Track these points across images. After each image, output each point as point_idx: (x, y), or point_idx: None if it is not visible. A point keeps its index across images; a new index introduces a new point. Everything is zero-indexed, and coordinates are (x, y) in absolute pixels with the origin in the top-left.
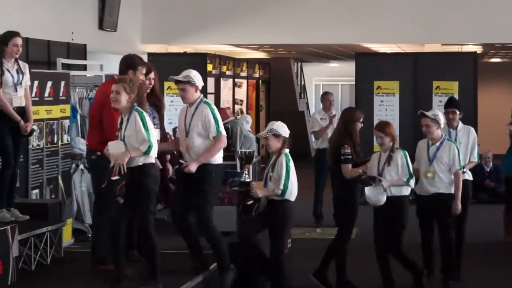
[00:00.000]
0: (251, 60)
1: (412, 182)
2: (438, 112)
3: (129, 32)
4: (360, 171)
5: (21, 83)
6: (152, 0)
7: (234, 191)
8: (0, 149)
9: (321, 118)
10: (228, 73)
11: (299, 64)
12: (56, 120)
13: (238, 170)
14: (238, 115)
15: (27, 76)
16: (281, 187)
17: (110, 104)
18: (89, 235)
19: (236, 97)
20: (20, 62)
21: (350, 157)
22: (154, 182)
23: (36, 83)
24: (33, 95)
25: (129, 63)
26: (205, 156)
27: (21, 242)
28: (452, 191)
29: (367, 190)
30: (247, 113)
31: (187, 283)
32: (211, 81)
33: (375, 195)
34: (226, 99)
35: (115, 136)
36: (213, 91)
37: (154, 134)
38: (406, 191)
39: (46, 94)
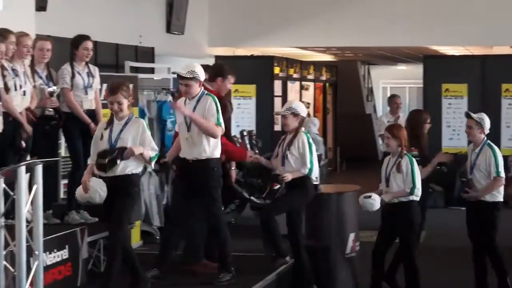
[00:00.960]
0: (318, 63)
1: (417, 191)
2: (485, 116)
3: (196, 35)
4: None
5: (91, 86)
6: (219, 3)
7: None
8: (70, 152)
9: (388, 121)
10: (295, 76)
11: (366, 66)
12: None
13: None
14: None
15: (97, 79)
16: (308, 165)
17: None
18: (157, 237)
19: (303, 99)
20: (90, 66)
21: (418, 159)
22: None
23: (105, 86)
24: (102, 98)
25: (219, 71)
26: (201, 122)
27: (90, 244)
28: (495, 199)
29: (361, 200)
30: (314, 116)
31: (259, 283)
32: (278, 84)
33: (370, 205)
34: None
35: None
36: (280, 94)
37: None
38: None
39: None
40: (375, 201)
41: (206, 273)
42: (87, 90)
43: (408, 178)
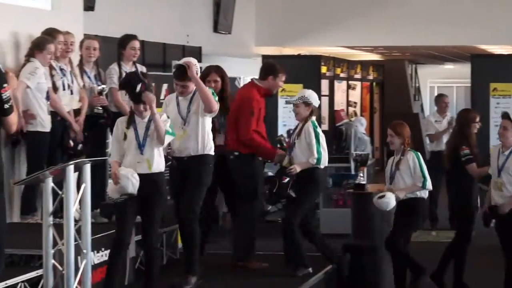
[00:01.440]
0: (365, 62)
1: (428, 184)
2: None
3: (243, 35)
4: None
5: None
6: (266, 2)
7: (348, 193)
8: None
9: (435, 121)
10: (342, 75)
11: (414, 66)
12: None
13: (353, 172)
14: (352, 117)
15: None
16: (316, 155)
17: (246, 108)
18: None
19: (350, 99)
20: (138, 65)
21: (471, 156)
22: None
23: (152, 85)
24: None
25: (271, 69)
26: (202, 87)
27: (137, 243)
28: None
29: (375, 201)
30: (361, 115)
31: (305, 283)
32: (325, 83)
33: (386, 205)
34: (340, 101)
35: (248, 139)
36: (327, 93)
37: None
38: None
39: (162, 96)
40: (390, 200)
41: (262, 269)
42: None
43: (417, 173)
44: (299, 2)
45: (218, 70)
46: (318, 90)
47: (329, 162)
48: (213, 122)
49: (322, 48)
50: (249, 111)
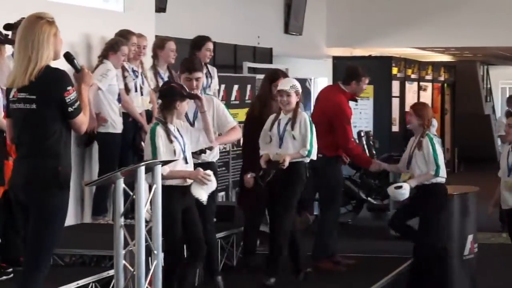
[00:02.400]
0: (437, 63)
1: (441, 172)
2: None
3: (314, 36)
4: None
5: (209, 86)
6: (337, 4)
7: None
8: None
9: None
10: (413, 76)
11: (485, 67)
12: (242, 123)
13: None
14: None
15: (215, 80)
16: (308, 147)
17: (342, 117)
18: None
19: (421, 100)
20: (209, 66)
21: None
22: None
23: (223, 86)
24: (220, 98)
25: (354, 74)
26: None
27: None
28: None
29: (391, 190)
30: (432, 116)
31: (377, 283)
32: (396, 84)
33: (401, 196)
34: (411, 103)
35: (349, 148)
36: (398, 95)
37: None
38: None
39: (233, 98)
40: (406, 191)
41: (332, 270)
42: (206, 91)
43: (430, 159)
44: (370, 3)
45: (285, 74)
46: (389, 91)
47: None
48: None
49: (393, 49)
50: (346, 120)
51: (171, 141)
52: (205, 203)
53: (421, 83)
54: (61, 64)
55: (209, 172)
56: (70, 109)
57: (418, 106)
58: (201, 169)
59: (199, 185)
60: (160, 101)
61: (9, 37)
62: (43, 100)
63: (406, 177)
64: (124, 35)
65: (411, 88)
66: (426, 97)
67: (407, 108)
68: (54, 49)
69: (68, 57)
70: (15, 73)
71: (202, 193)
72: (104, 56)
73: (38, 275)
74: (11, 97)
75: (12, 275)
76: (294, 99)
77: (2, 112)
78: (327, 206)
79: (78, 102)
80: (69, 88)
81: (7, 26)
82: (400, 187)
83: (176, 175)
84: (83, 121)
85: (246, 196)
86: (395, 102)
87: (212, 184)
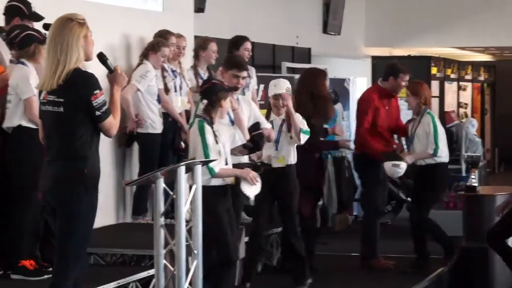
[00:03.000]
0: (476, 63)
1: (440, 152)
2: None
3: (353, 36)
4: None
5: (248, 86)
6: (376, 3)
7: (459, 195)
8: None
9: None
10: (452, 76)
11: None
12: None
13: (464, 174)
14: (463, 118)
15: (254, 80)
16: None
17: (359, 108)
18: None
19: (460, 100)
20: (248, 66)
21: None
22: None
23: (261, 86)
24: (259, 98)
25: (391, 69)
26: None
27: (247, 244)
28: None
29: (388, 167)
30: (472, 116)
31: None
32: (435, 84)
33: (397, 173)
34: (450, 103)
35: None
36: (437, 95)
37: None
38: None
39: None
40: (402, 169)
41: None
42: (245, 91)
43: (430, 138)
44: (409, 2)
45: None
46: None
47: None
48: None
49: (432, 49)
50: (362, 110)
51: (217, 142)
52: (251, 203)
53: (461, 83)
54: (95, 65)
55: (256, 174)
56: (97, 112)
57: (414, 85)
58: (250, 169)
59: (248, 183)
60: (205, 101)
61: None
62: (70, 103)
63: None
64: (163, 35)
65: (450, 88)
66: (466, 97)
67: (447, 108)
68: (84, 51)
69: (101, 58)
70: (45, 75)
71: (251, 191)
72: (144, 56)
73: (68, 275)
74: (41, 98)
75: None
76: (290, 102)
77: None
78: (367, 204)
79: (106, 106)
80: (97, 92)
81: (46, 26)
82: (398, 165)
83: (229, 173)
84: (112, 124)
85: None
86: (434, 102)
87: (258, 186)
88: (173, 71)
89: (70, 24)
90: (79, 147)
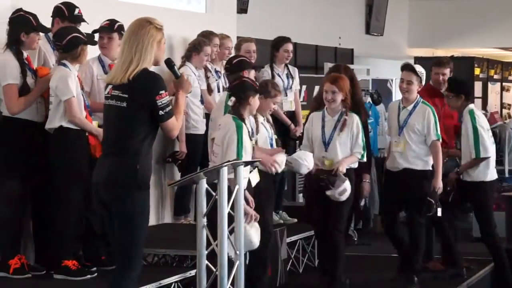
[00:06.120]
0: None
1: (365, 157)
2: None
3: (395, 36)
4: None
5: (291, 87)
6: (419, 4)
7: (502, 196)
8: None
9: None
10: (495, 77)
11: None
12: None
13: (507, 175)
14: (506, 119)
15: (296, 81)
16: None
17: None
18: (355, 239)
19: (503, 101)
20: (290, 67)
21: None
22: None
23: (304, 87)
24: (301, 99)
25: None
26: None
27: (289, 244)
28: None
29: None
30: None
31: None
32: (478, 85)
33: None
34: (493, 103)
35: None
36: (480, 95)
37: None
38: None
39: None
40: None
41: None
42: (287, 92)
43: (358, 141)
44: (452, 3)
45: (347, 71)
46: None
47: None
48: None
49: (475, 50)
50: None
51: (250, 139)
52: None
53: (504, 84)
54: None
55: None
56: (161, 112)
57: (337, 78)
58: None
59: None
60: (233, 98)
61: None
62: (134, 100)
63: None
64: (206, 36)
65: (493, 89)
66: (509, 98)
67: (490, 109)
68: (156, 55)
69: (169, 64)
70: (115, 71)
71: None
72: (187, 57)
73: (130, 274)
74: (106, 93)
75: (96, 274)
76: None
77: (85, 112)
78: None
79: (170, 107)
80: (162, 92)
81: (95, 31)
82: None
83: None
84: (174, 125)
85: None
86: (478, 103)
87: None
88: (216, 72)
89: (148, 26)
90: (134, 143)
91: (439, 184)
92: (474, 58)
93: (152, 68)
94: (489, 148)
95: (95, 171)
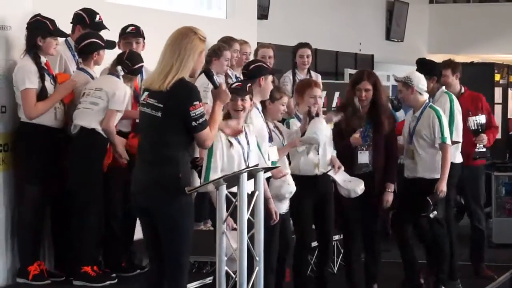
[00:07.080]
0: None
1: None
2: None
3: (416, 42)
4: None
5: None
6: (440, 10)
7: None
8: None
9: None
10: None
11: None
12: None
13: None
14: None
15: None
16: None
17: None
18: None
19: None
20: (313, 73)
21: None
22: None
23: (324, 93)
24: (321, 105)
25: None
26: None
27: None
28: None
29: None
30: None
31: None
32: (498, 91)
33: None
34: None
35: None
36: (500, 101)
37: None
38: None
39: (334, 104)
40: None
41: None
42: None
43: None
44: (473, 9)
45: (371, 76)
46: (491, 98)
47: (502, 171)
48: None
49: (495, 56)
50: None
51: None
52: None
53: None
54: None
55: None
56: (194, 123)
57: (299, 85)
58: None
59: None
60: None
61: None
62: (168, 110)
63: None
64: (227, 42)
65: None
66: None
67: (510, 115)
68: (194, 66)
69: (208, 74)
70: (154, 75)
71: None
72: (207, 62)
73: (182, 283)
74: (142, 99)
75: (116, 280)
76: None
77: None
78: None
79: (203, 118)
80: (196, 103)
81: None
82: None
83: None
84: (208, 136)
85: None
86: (498, 109)
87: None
88: (237, 78)
89: (192, 36)
90: (171, 153)
91: (442, 187)
92: (494, 64)
93: None
94: (461, 133)
95: (133, 180)
